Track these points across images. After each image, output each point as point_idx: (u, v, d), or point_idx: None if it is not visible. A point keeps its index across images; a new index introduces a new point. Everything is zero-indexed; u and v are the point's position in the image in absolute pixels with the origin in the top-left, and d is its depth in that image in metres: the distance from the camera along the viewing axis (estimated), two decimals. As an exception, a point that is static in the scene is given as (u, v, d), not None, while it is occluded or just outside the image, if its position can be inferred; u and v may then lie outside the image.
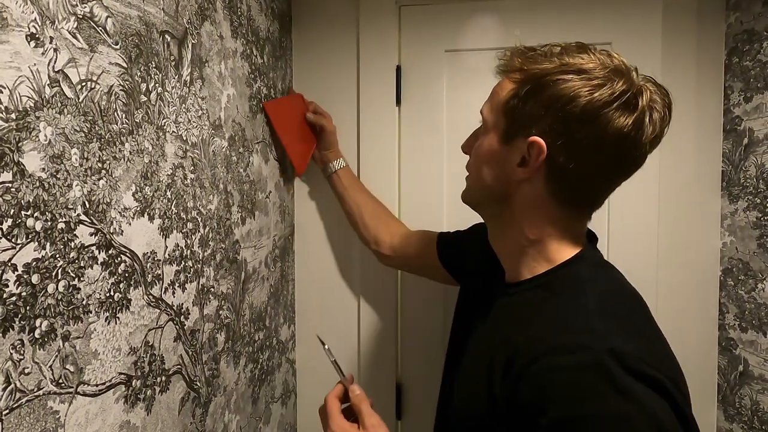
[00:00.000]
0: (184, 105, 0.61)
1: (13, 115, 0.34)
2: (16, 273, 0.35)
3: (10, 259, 0.34)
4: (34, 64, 0.36)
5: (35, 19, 0.36)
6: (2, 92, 0.33)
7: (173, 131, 0.58)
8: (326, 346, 0.65)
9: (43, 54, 0.37)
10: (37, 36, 0.36)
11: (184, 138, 0.61)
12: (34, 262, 0.36)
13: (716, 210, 1.16)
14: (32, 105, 0.36)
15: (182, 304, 0.61)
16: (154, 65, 0.53)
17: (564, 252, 0.55)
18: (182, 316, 0.61)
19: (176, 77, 0.59)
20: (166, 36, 0.56)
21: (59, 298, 0.39)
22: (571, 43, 0.53)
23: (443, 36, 1.18)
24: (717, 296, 1.16)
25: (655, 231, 1.14)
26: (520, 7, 1.15)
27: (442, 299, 1.17)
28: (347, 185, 1.08)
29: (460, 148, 0.66)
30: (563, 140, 0.50)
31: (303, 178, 1.21)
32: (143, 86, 0.51)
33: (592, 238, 0.65)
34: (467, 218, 1.15)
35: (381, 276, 1.19)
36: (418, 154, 1.16)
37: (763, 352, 1.02)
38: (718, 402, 1.15)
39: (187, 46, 0.62)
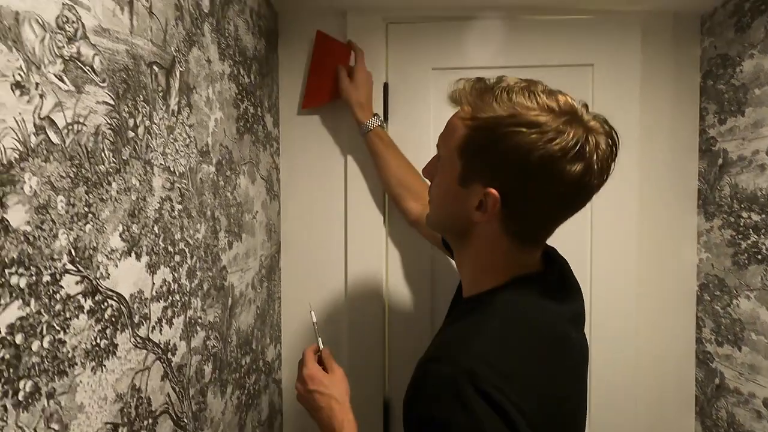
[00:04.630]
0: (171, 135, 0.59)
1: (-4, 170, 0.32)
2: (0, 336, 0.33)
3: (-8, 322, 0.32)
4: (20, 113, 0.34)
5: (20, 66, 0.34)
6: (-15, 147, 0.31)
7: (161, 164, 0.56)
8: (313, 315, 0.85)
9: (28, 102, 0.35)
10: (22, 84, 0.34)
11: (172, 169, 0.59)
12: (18, 322, 0.34)
13: (693, 227, 1.20)
14: (17, 156, 0.34)
15: (169, 340, 0.59)
16: (141, 98, 0.52)
17: (506, 277, 0.59)
18: (169, 353, 0.59)
19: (164, 108, 0.57)
20: (154, 67, 0.54)
21: (44, 355, 0.37)
22: (518, 82, 0.56)
23: (431, 54, 1.18)
24: (694, 311, 1.20)
25: (635, 247, 1.18)
26: (506, 28, 1.17)
27: (430, 318, 1.17)
28: (375, 150, 1.06)
29: (421, 172, 0.71)
30: (518, 189, 0.54)
31: (290, 194, 1.20)
32: (131, 122, 0.49)
33: (552, 259, 0.66)
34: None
35: (368, 291, 1.19)
36: (406, 172, 1.17)
37: (738, 366, 1.06)
38: (696, 414, 1.19)
39: (175, 75, 0.60)
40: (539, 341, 0.54)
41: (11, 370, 0.34)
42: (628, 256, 1.18)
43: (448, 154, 0.60)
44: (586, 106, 0.56)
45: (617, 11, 1.15)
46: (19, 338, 0.34)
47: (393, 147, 1.06)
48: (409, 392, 0.52)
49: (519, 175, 0.53)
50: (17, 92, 0.34)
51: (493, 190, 0.54)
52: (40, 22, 0.36)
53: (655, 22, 1.17)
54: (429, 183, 0.76)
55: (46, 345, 0.37)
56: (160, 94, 0.56)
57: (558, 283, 0.61)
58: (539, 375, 0.52)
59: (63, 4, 0.39)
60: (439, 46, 1.18)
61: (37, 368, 0.36)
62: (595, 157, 0.53)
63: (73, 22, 0.40)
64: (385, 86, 1.18)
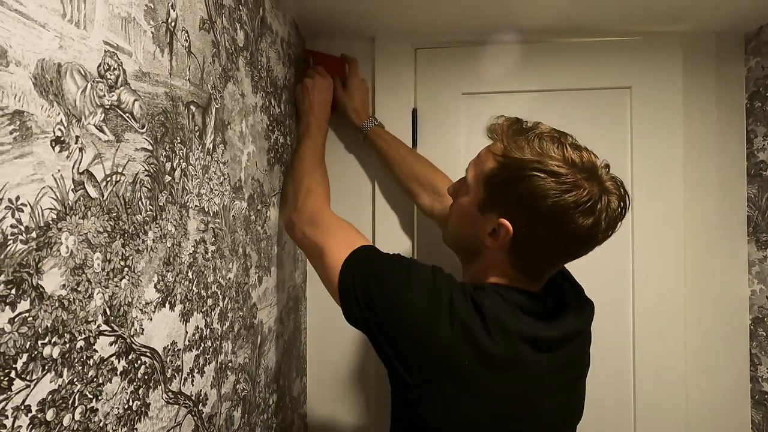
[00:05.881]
0: (206, 175, 0.57)
1: (33, 234, 0.30)
2: (30, 414, 0.30)
3: (23, 401, 0.29)
4: (58, 171, 0.32)
5: (61, 120, 0.32)
6: (23, 211, 0.29)
7: (196, 205, 0.54)
8: None
9: (67, 157, 0.33)
10: (62, 139, 0.32)
11: (206, 210, 0.57)
12: (50, 396, 0.32)
13: (743, 256, 1.13)
14: (54, 217, 0.32)
15: (200, 390, 0.56)
16: (179, 140, 0.50)
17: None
18: (200, 404, 0.56)
19: (200, 147, 0.55)
20: (191, 106, 0.53)
21: (75, 428, 0.34)
22: (551, 131, 0.61)
23: (460, 79, 1.16)
24: (747, 347, 1.11)
25: (681, 278, 1.10)
26: (539, 51, 1.14)
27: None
28: (377, 150, 1.05)
29: (446, 189, 0.77)
30: (528, 228, 0.60)
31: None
32: (168, 166, 0.47)
33: (553, 291, 0.69)
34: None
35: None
36: (437, 199, 1.13)
37: (802, 411, 0.97)
38: (754, 462, 1.09)
39: (211, 113, 0.58)
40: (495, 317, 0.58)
41: (41, 451, 0.31)
42: (673, 288, 1.10)
43: (475, 180, 0.65)
44: (607, 166, 0.61)
45: (656, 32, 1.11)
46: (50, 414, 0.32)
47: (395, 143, 1.05)
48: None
49: (531, 216, 0.59)
50: (57, 148, 0.32)
51: (507, 222, 0.60)
52: (82, 72, 0.34)
53: (696, 42, 1.12)
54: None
55: (77, 417, 0.34)
56: (197, 133, 0.54)
57: (547, 307, 0.64)
58: (492, 321, 0.58)
59: (105, 51, 0.37)
60: (469, 70, 1.15)
61: (68, 444, 0.33)
62: (604, 215, 0.58)
63: (115, 69, 0.38)
64: (414, 112, 1.16)
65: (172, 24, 0.48)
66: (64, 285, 0.33)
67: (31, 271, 0.30)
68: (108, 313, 0.38)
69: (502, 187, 0.61)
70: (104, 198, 0.37)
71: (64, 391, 0.33)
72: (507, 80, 1.15)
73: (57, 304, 0.32)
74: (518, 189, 0.59)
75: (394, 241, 1.14)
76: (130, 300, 0.41)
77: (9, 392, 0.28)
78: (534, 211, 0.58)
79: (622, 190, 0.61)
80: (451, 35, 1.13)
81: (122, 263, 0.39)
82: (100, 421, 0.37)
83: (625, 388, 1.09)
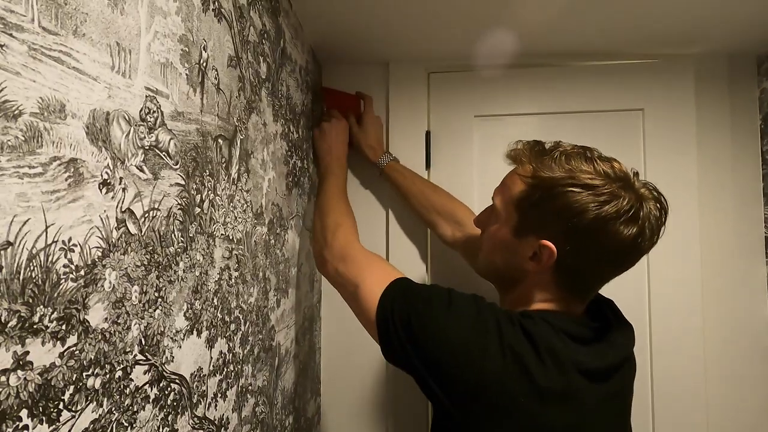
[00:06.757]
0: (231, 203, 0.59)
1: (82, 272, 0.32)
2: (74, 444, 0.31)
3: (69, 431, 0.31)
4: (104, 211, 0.34)
5: (108, 164, 0.34)
6: (74, 251, 0.31)
7: (221, 234, 0.56)
8: None
9: (112, 198, 0.35)
10: (108, 182, 0.34)
11: (231, 237, 0.59)
12: (91, 425, 0.33)
13: (762, 278, 1.11)
14: (100, 254, 0.34)
15: (223, 415, 0.57)
16: (207, 173, 0.52)
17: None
18: (222, 428, 0.57)
19: (226, 178, 0.57)
20: (219, 140, 0.55)
21: (113, 456, 0.36)
22: (575, 147, 0.61)
23: (473, 101, 1.18)
24: (769, 370, 1.09)
25: (698, 302, 1.09)
26: (551, 74, 1.15)
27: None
28: (395, 184, 1.06)
29: (473, 221, 0.76)
30: (571, 246, 0.58)
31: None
32: (197, 198, 0.50)
33: (596, 315, 0.66)
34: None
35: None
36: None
37: (829, 440, 0.94)
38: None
39: (236, 144, 0.61)
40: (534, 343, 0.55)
41: (82, 480, 0.32)
42: (691, 311, 1.09)
43: (504, 206, 0.64)
44: (636, 174, 0.60)
45: (668, 54, 1.12)
46: (91, 443, 0.33)
47: (412, 176, 1.06)
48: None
49: (572, 232, 0.57)
50: (104, 190, 0.34)
51: (549, 243, 0.58)
52: (126, 118, 0.37)
53: (708, 64, 1.13)
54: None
55: (114, 445, 0.36)
56: (223, 165, 0.57)
57: (593, 332, 0.61)
58: (546, 351, 0.54)
59: (146, 96, 0.39)
60: (482, 93, 1.18)
61: (105, 472, 0.35)
62: (647, 223, 0.57)
63: (154, 111, 0.41)
64: (427, 134, 1.18)
65: (204, 64, 0.50)
66: (106, 318, 0.35)
67: (79, 307, 0.32)
68: (143, 342, 0.39)
69: (536, 208, 0.59)
70: (142, 233, 0.39)
71: (103, 420, 0.34)
72: (520, 103, 1.17)
73: (100, 337, 0.34)
74: (553, 207, 0.57)
75: (408, 269, 1.15)
76: (162, 329, 0.43)
77: (57, 423, 0.30)
78: (575, 227, 0.56)
79: (656, 193, 0.59)
80: (464, 59, 1.16)
81: (156, 294, 0.41)
82: (134, 448, 0.38)
83: (644, 412, 1.07)
